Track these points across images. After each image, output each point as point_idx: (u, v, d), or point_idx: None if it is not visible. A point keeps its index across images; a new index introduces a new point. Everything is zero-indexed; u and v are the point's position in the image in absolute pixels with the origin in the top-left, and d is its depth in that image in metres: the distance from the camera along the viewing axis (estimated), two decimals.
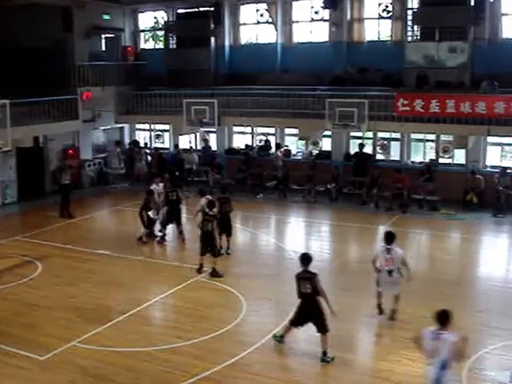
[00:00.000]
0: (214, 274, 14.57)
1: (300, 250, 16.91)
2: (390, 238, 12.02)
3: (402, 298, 11.97)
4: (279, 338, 11.06)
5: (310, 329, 11.83)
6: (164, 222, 17.74)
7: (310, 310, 10.62)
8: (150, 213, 17.53)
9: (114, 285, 14.20)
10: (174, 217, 17.58)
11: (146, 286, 14.40)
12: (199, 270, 14.80)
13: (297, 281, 10.65)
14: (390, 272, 11.79)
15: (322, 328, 10.55)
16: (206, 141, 26.27)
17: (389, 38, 25.12)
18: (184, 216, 18.17)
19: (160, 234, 17.68)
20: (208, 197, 15.90)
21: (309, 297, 10.53)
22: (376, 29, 25.41)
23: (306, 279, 10.53)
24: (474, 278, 15.05)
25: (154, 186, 18.16)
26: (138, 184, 24.55)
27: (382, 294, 12.21)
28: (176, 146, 26.21)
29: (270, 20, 26.82)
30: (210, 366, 10.20)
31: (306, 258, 10.78)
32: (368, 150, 24.04)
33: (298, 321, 10.79)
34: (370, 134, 23.58)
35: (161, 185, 18.27)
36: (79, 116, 24.06)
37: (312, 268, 10.65)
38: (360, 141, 23.37)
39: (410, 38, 23.57)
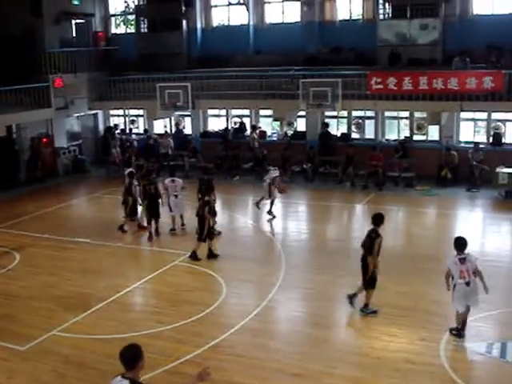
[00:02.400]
0: (194, 256, 14.55)
1: (278, 230, 17.14)
2: (463, 244, 10.33)
3: (379, 274, 11.91)
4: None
5: (291, 308, 11.98)
6: (148, 219, 16.66)
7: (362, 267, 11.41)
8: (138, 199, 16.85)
9: (94, 272, 14.14)
10: (154, 212, 16.52)
11: (125, 272, 14.38)
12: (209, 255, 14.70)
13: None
14: (467, 283, 10.13)
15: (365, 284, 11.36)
16: (177, 125, 26.14)
17: (360, 17, 25.13)
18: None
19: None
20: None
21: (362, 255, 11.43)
22: (348, 7, 25.40)
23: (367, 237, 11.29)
24: (449, 253, 15.17)
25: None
26: (115, 170, 24.45)
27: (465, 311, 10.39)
28: (145, 130, 26.10)
29: (242, 1, 26.66)
30: (191, 349, 10.24)
31: None
32: (343, 129, 24.18)
33: None
34: (344, 113, 23.69)
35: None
36: (52, 104, 23.74)
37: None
38: (327, 120, 23.68)
39: (381, 16, 23.64)
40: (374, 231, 11.24)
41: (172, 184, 16.81)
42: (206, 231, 14.55)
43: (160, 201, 16.67)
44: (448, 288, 10.47)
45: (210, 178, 16.43)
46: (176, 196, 16.74)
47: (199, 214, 14.65)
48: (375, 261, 11.19)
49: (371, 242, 11.16)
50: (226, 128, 25.71)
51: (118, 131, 26.72)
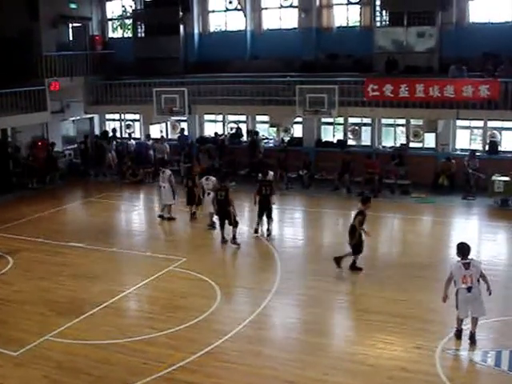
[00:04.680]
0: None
1: (273, 236, 17.07)
2: (467, 249, 10.31)
3: (374, 282, 11.90)
4: None
5: (286, 315, 11.91)
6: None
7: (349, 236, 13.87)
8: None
9: (87, 277, 14.05)
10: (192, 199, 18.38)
11: (119, 277, 14.30)
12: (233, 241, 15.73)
13: None
14: (469, 289, 10.11)
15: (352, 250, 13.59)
16: (182, 130, 26.06)
17: (358, 24, 25.16)
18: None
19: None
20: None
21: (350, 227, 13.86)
22: (345, 14, 25.40)
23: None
24: (445, 261, 15.14)
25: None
26: (110, 175, 24.45)
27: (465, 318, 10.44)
28: (135, 139, 26.20)
29: (239, 7, 26.66)
30: (185, 355, 10.17)
31: None
32: (339, 135, 24.17)
33: None
34: (340, 120, 23.70)
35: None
36: (47, 107, 23.68)
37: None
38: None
39: (378, 24, 23.64)
40: (360, 211, 13.64)
41: (206, 182, 17.42)
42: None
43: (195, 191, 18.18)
44: (445, 294, 10.41)
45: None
46: (209, 194, 17.24)
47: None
48: (360, 231, 13.64)
49: (355, 218, 13.68)
50: (217, 133, 25.52)
51: (112, 134, 26.64)
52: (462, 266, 10.12)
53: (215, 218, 16.78)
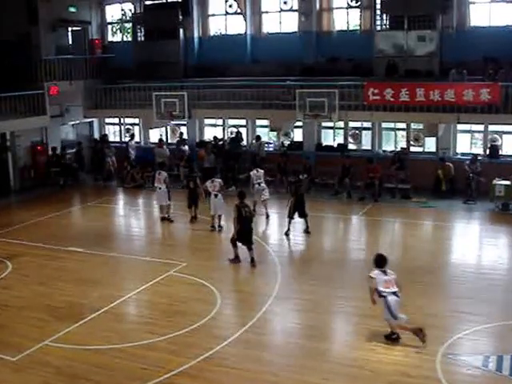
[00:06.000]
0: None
1: (273, 241, 17.03)
2: (383, 261, 10.89)
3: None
4: None
5: (286, 319, 11.85)
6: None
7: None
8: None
9: (87, 282, 13.99)
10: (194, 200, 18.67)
11: (119, 282, 14.24)
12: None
13: None
14: (394, 293, 10.58)
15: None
16: (181, 134, 26.01)
17: (358, 28, 25.13)
18: None
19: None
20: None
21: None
22: (345, 18, 25.37)
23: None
24: (446, 265, 15.16)
25: None
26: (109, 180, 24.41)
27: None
28: (160, 140, 25.85)
29: (239, 11, 26.65)
30: (185, 360, 10.12)
31: None
32: (340, 139, 24.14)
33: None
34: (341, 124, 23.67)
35: None
36: (47, 111, 23.61)
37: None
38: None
39: (378, 27, 23.61)
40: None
41: (211, 184, 17.62)
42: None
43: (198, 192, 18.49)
44: (373, 301, 10.80)
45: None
46: (216, 196, 17.53)
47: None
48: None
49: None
50: (217, 138, 25.47)
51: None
52: (380, 273, 10.68)
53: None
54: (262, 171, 19.20)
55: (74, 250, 16.24)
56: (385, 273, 10.70)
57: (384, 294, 10.53)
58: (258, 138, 24.44)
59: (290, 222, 17.23)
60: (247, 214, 14.85)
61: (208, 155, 23.53)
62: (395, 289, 10.58)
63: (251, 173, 19.37)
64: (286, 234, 17.19)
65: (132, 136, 25.92)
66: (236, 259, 14.95)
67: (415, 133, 22.86)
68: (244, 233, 14.78)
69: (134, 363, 10.16)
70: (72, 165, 25.27)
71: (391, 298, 10.50)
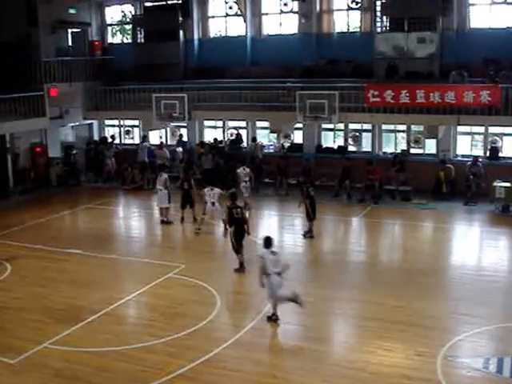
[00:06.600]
0: None
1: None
2: (270, 241, 11.74)
3: (375, 288, 11.88)
4: None
5: (286, 322, 11.81)
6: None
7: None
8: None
9: (86, 284, 13.95)
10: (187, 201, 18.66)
11: (118, 284, 14.20)
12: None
13: None
14: (279, 274, 11.46)
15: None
16: (180, 136, 25.96)
17: (358, 29, 25.13)
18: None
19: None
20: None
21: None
22: (345, 20, 25.39)
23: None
24: (446, 267, 15.13)
25: None
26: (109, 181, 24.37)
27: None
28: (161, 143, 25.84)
29: (239, 12, 26.65)
30: (184, 363, 10.09)
31: None
32: (340, 141, 24.11)
33: None
34: (341, 126, 23.64)
35: None
36: (46, 113, 23.60)
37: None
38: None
39: (379, 29, 23.59)
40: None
41: (210, 192, 17.51)
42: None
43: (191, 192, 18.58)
44: (261, 283, 11.53)
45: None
46: (213, 203, 17.43)
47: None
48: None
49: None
50: (217, 139, 25.43)
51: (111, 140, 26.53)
52: (269, 253, 11.56)
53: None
54: (219, 190, 17.73)
55: (74, 251, 16.19)
56: (273, 253, 11.59)
57: (269, 272, 11.37)
58: (254, 139, 24.43)
59: (312, 225, 17.17)
60: (238, 215, 14.80)
61: (206, 155, 23.50)
62: (279, 269, 11.42)
63: (238, 170, 19.80)
64: (310, 235, 17.21)
65: (144, 138, 25.55)
66: (241, 268, 14.65)
67: (415, 134, 22.82)
68: (240, 233, 14.81)
69: (134, 365, 10.13)
70: (75, 166, 25.32)
71: (274, 278, 11.32)
